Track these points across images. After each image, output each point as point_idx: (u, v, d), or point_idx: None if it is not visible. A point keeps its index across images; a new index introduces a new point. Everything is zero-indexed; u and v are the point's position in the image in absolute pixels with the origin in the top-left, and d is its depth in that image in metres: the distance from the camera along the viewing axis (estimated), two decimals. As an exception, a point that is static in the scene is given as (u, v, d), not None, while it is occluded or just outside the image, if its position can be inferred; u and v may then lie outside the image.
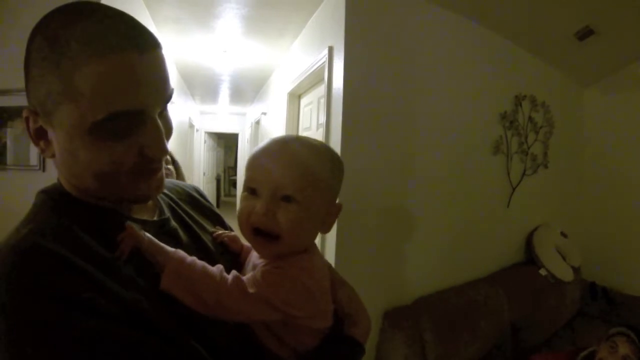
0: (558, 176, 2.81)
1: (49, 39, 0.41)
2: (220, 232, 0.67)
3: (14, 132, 1.69)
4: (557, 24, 2.20)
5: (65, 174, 0.48)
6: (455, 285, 2.05)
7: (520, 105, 2.40)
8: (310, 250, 0.57)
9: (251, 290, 0.48)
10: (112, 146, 0.43)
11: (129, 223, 0.48)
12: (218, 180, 8.54)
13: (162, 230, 0.56)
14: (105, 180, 0.45)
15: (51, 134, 0.45)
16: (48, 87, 0.41)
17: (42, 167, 1.68)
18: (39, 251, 0.40)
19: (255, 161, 0.55)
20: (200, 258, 0.52)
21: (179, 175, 1.61)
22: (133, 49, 0.42)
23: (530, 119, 2.48)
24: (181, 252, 0.49)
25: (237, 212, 0.57)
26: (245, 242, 0.64)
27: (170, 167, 1.54)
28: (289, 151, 0.54)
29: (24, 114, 0.46)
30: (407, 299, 1.85)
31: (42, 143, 0.47)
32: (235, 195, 7.72)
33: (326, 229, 0.59)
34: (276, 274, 0.51)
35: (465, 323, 1.90)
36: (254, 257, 0.60)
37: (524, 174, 2.46)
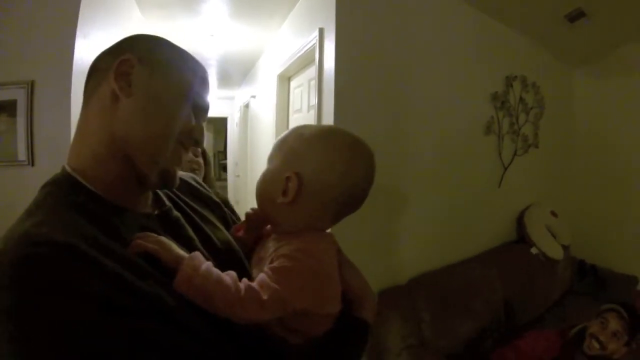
0: (548, 156, 2.85)
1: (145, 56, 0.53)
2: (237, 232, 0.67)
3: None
4: (548, 6, 2.20)
5: (121, 122, 0.50)
6: (448, 265, 2.08)
7: (511, 86, 2.41)
8: (318, 234, 0.58)
9: (265, 297, 0.48)
10: (189, 115, 0.55)
11: (146, 233, 0.50)
12: None
13: (166, 221, 0.57)
14: (162, 137, 0.52)
15: (138, 87, 0.51)
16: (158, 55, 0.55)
17: (31, 161, 1.59)
18: (49, 243, 0.39)
19: None
20: (205, 249, 0.54)
21: (207, 173, 1.49)
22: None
23: (521, 99, 2.49)
24: (196, 259, 0.49)
25: None
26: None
27: (200, 160, 1.44)
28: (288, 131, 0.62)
29: (127, 54, 0.51)
30: (401, 279, 1.87)
31: (121, 84, 0.50)
32: (226, 180, 7.63)
33: (286, 198, 0.56)
34: (284, 271, 0.51)
35: (460, 301, 1.93)
36: (260, 249, 0.60)
37: (515, 154, 2.49)
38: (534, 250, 2.53)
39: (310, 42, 1.83)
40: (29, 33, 1.59)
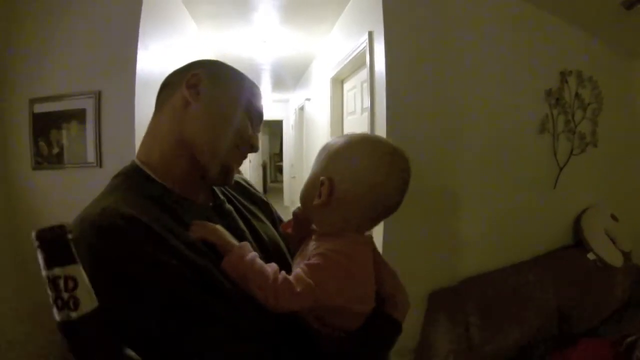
0: (608, 155, 2.66)
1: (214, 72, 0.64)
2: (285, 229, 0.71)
3: (70, 134, 1.78)
4: (602, -7, 2.07)
5: (190, 123, 0.59)
6: (501, 267, 2.01)
7: (566, 82, 2.29)
8: (353, 236, 0.60)
9: (298, 289, 0.51)
10: (246, 123, 0.63)
11: (204, 221, 0.57)
12: (264, 167, 8.69)
13: (220, 212, 0.64)
14: (223, 139, 0.60)
15: (205, 96, 0.60)
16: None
17: (99, 163, 1.75)
18: (124, 217, 0.47)
19: None
20: (254, 242, 0.59)
21: None
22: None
23: (577, 95, 2.35)
24: (245, 248, 0.55)
25: None
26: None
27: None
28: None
29: (197, 70, 0.61)
30: (453, 280, 1.84)
31: (191, 92, 0.60)
32: (281, 181, 7.84)
33: (321, 202, 0.59)
34: (318, 267, 0.54)
35: (511, 307, 1.87)
36: (303, 248, 0.64)
37: (571, 153, 2.35)
38: (590, 256, 2.38)
39: (360, 45, 1.85)
40: (96, 48, 1.73)
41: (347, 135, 0.65)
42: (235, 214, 0.67)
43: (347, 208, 0.59)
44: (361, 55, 1.89)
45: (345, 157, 0.60)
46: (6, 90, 1.80)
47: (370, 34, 1.71)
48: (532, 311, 1.91)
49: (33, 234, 0.31)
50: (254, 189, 0.82)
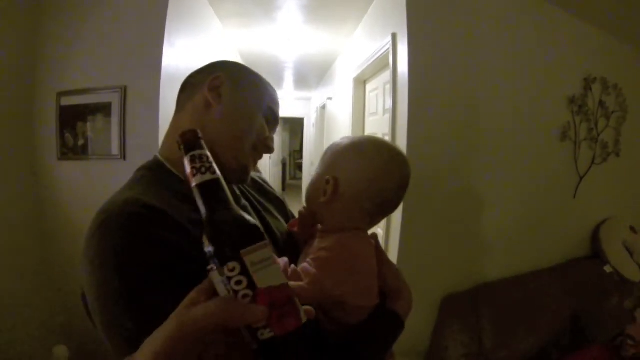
0: (630, 166, 2.60)
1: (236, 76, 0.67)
2: (294, 227, 0.74)
3: (95, 126, 1.82)
4: (628, -4, 2.02)
5: (211, 124, 0.62)
6: (517, 275, 2.00)
7: (590, 89, 2.24)
8: (359, 229, 0.64)
9: (305, 281, 0.54)
10: (263, 125, 0.67)
11: None
12: (284, 164, 8.77)
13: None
14: (242, 139, 0.63)
15: (228, 99, 0.63)
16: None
17: (123, 156, 1.79)
18: (146, 206, 0.50)
19: None
20: (268, 237, 0.59)
21: None
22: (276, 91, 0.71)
23: (601, 103, 2.30)
24: None
25: None
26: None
27: None
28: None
29: (219, 73, 0.64)
30: (467, 285, 1.84)
31: (213, 94, 0.63)
32: (301, 179, 7.89)
33: (326, 199, 0.63)
34: (322, 261, 0.57)
35: (524, 314, 1.85)
36: (308, 247, 0.66)
37: (592, 162, 2.31)
38: (607, 269, 2.33)
39: (384, 47, 1.85)
40: (122, 44, 1.78)
41: (350, 137, 0.69)
42: (250, 209, 0.70)
43: (350, 204, 0.62)
44: (384, 56, 1.89)
45: (349, 156, 0.65)
46: (35, 84, 1.86)
47: (394, 36, 1.72)
48: (545, 320, 1.89)
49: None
50: (270, 187, 0.86)
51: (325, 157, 0.68)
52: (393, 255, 1.71)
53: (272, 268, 0.34)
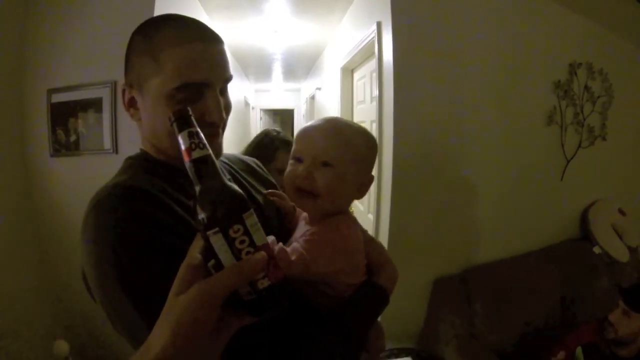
0: (618, 149, 2.63)
1: (146, 37, 0.59)
2: (270, 191, 0.77)
3: (87, 122, 1.84)
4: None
5: (148, 134, 0.64)
6: (507, 257, 2.03)
7: (576, 74, 2.27)
8: (346, 213, 0.66)
9: (292, 258, 0.56)
10: (175, 104, 0.58)
11: None
12: None
13: None
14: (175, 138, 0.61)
15: (140, 103, 0.62)
16: (142, 67, 0.59)
17: (115, 149, 1.82)
18: (132, 187, 0.55)
19: (302, 134, 0.67)
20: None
21: None
22: (198, 40, 0.58)
23: (586, 88, 2.34)
24: None
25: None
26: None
27: None
28: (330, 126, 0.66)
29: (121, 87, 0.64)
30: (457, 268, 1.87)
31: (132, 110, 0.64)
32: None
33: (360, 196, 0.67)
34: (315, 241, 0.60)
35: (515, 296, 1.89)
36: (297, 231, 0.69)
37: (579, 146, 2.35)
38: (596, 250, 2.38)
39: (369, 35, 1.87)
40: (111, 39, 1.78)
41: (319, 125, 0.66)
42: (233, 183, 0.72)
43: (352, 190, 0.65)
44: (370, 45, 1.92)
45: (352, 142, 0.64)
46: (25, 82, 1.86)
47: (379, 25, 1.74)
48: (535, 302, 1.93)
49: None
50: (266, 173, 0.88)
51: (319, 145, 0.63)
52: (384, 239, 1.74)
53: (260, 230, 0.41)
